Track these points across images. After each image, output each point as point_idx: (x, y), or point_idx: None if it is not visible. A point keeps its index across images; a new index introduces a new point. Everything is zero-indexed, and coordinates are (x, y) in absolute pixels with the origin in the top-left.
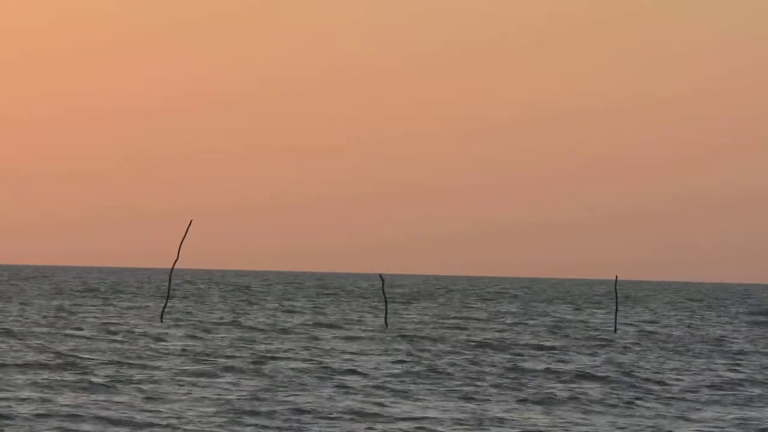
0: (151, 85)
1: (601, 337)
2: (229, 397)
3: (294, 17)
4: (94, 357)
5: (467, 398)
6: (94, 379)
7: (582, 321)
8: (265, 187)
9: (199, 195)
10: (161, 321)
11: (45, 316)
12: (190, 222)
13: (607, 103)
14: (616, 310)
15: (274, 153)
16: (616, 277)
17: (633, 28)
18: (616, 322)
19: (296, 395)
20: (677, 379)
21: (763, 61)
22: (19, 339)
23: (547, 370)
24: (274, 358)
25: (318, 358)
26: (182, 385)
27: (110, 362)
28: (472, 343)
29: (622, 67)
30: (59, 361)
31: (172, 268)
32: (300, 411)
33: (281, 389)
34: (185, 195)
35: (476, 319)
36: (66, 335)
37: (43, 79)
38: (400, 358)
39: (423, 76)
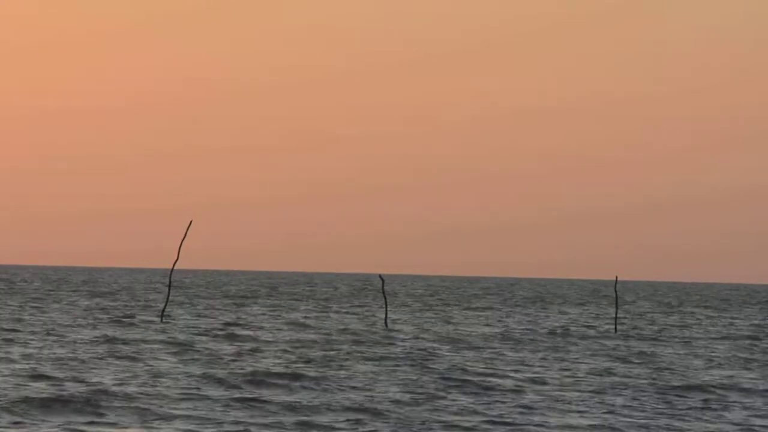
0: (147, 83)
1: None
2: None
3: (288, 15)
4: None
5: None
6: None
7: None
8: (263, 186)
9: (199, 194)
10: (161, 322)
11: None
12: (190, 222)
13: (565, 103)
14: (616, 310)
15: (271, 151)
16: (616, 277)
17: (593, 29)
18: (616, 322)
19: None
20: None
21: (726, 61)
22: None
23: None
24: None
25: None
26: None
27: None
28: None
29: (582, 67)
30: None
31: (172, 268)
32: None
33: None
34: (186, 194)
35: None
36: None
37: (39, 74)
38: None
39: (396, 75)
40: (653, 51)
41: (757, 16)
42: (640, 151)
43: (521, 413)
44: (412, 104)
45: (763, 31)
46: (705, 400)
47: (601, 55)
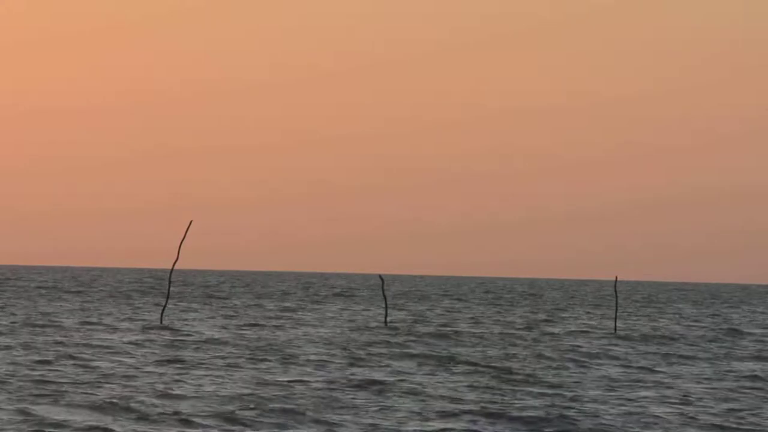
0: (147, 83)
1: None
2: None
3: (286, 14)
4: None
5: None
6: None
7: None
8: (263, 186)
9: (199, 194)
10: (161, 323)
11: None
12: (190, 222)
13: (565, 103)
14: (616, 310)
15: (271, 151)
16: (616, 277)
17: (582, 28)
18: (616, 323)
19: None
20: None
21: (721, 59)
22: None
23: None
24: None
25: None
26: None
27: None
28: None
29: (568, 67)
30: None
31: (172, 268)
32: None
33: None
34: (186, 194)
35: None
36: None
37: (39, 74)
38: None
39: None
40: (649, 50)
41: (747, 16)
42: (642, 150)
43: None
44: (414, 104)
45: (755, 30)
46: None
47: (598, 54)
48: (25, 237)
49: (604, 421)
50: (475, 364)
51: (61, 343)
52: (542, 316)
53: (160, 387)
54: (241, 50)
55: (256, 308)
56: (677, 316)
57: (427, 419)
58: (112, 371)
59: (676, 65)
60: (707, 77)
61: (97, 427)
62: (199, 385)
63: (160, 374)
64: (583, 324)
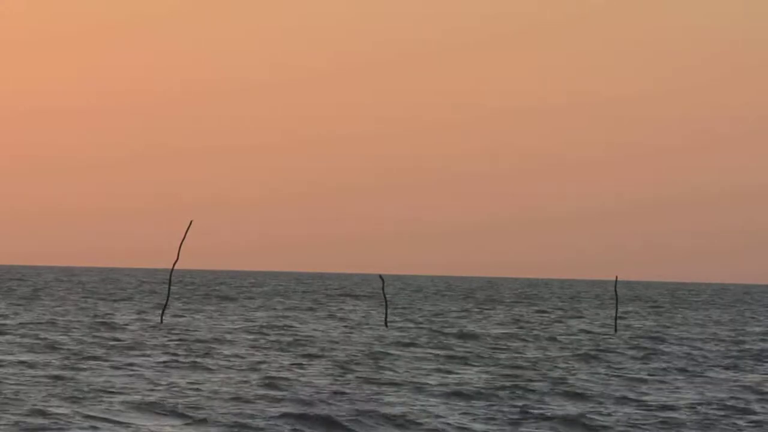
0: (147, 82)
1: None
2: None
3: (285, 13)
4: None
5: None
6: None
7: None
8: (263, 186)
9: (199, 194)
10: (161, 322)
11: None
12: (190, 222)
13: (549, 104)
14: (617, 310)
15: (272, 150)
16: (616, 277)
17: (578, 28)
18: (616, 323)
19: None
20: None
21: (711, 61)
22: None
23: None
24: None
25: None
26: None
27: None
28: None
29: (567, 67)
30: None
31: (172, 269)
32: None
33: None
34: (186, 194)
35: None
36: None
37: (40, 74)
38: None
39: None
40: (648, 50)
41: (746, 16)
42: (641, 150)
43: None
44: (414, 104)
45: (754, 30)
46: None
47: (597, 54)
48: (25, 237)
49: (606, 420)
50: (479, 363)
51: (62, 342)
52: (544, 315)
53: (161, 385)
54: (241, 50)
55: (257, 308)
56: (678, 315)
57: (433, 418)
58: (112, 370)
59: (676, 65)
60: (707, 77)
61: (98, 425)
62: (200, 384)
63: (161, 373)
64: (585, 323)
